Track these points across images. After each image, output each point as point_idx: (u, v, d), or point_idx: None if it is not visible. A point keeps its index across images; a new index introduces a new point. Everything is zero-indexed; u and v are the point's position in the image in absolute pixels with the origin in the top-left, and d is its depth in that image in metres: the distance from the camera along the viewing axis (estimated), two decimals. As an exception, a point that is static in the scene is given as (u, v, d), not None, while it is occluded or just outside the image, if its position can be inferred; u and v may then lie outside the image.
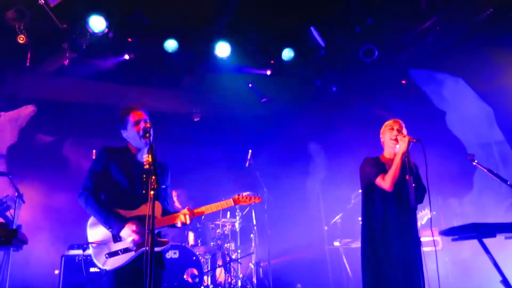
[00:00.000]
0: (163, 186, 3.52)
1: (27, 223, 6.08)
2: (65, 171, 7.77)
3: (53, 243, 6.90)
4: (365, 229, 4.04)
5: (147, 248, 2.63)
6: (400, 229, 3.88)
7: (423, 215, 5.82)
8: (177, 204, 7.45)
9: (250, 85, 8.19)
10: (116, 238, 3.23)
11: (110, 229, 3.22)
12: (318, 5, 6.59)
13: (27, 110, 7.54)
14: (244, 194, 3.74)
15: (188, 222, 3.37)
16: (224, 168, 8.55)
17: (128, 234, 3.18)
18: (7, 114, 7.42)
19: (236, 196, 3.68)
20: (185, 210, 3.40)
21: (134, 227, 3.19)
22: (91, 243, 3.23)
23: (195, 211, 3.44)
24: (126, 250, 3.21)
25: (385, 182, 3.91)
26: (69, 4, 5.97)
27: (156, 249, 3.20)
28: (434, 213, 6.35)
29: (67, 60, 6.80)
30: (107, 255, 3.19)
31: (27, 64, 6.79)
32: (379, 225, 3.95)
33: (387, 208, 3.96)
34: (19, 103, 7.51)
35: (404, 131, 4.07)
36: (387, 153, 4.20)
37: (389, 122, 4.19)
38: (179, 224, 3.38)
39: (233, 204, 3.60)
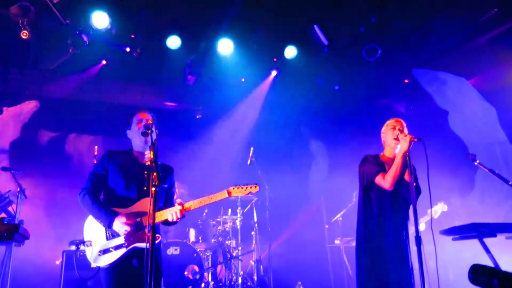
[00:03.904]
0: (165, 186, 3.57)
1: (29, 218, 6.10)
2: (67, 167, 7.79)
3: (54, 238, 6.93)
4: (360, 227, 4.02)
5: (147, 245, 2.64)
6: (396, 227, 3.87)
7: (436, 210, 6.11)
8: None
9: (243, 80, 8.22)
10: (108, 235, 3.30)
11: (101, 223, 3.30)
12: (322, 4, 6.57)
13: (30, 105, 7.56)
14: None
15: (179, 216, 3.35)
16: (225, 166, 8.55)
17: (119, 226, 3.24)
18: (10, 109, 7.44)
19: (231, 188, 3.54)
20: (177, 206, 3.39)
21: (124, 219, 3.25)
22: (84, 241, 3.32)
23: (186, 205, 3.41)
24: (117, 247, 3.27)
25: (385, 181, 3.87)
26: (73, 0, 5.97)
27: (145, 244, 3.22)
28: (445, 209, 6.34)
29: (70, 56, 6.81)
30: (99, 253, 3.27)
31: (30, 59, 6.80)
32: (375, 223, 3.92)
33: (383, 207, 3.93)
34: (22, 99, 7.53)
35: (406, 131, 4.03)
36: (387, 152, 4.17)
37: (390, 121, 4.16)
38: (170, 219, 3.36)
39: (227, 195, 3.48)
